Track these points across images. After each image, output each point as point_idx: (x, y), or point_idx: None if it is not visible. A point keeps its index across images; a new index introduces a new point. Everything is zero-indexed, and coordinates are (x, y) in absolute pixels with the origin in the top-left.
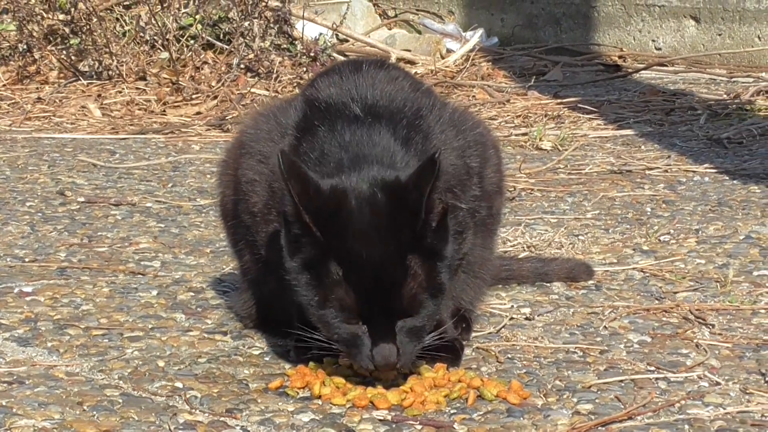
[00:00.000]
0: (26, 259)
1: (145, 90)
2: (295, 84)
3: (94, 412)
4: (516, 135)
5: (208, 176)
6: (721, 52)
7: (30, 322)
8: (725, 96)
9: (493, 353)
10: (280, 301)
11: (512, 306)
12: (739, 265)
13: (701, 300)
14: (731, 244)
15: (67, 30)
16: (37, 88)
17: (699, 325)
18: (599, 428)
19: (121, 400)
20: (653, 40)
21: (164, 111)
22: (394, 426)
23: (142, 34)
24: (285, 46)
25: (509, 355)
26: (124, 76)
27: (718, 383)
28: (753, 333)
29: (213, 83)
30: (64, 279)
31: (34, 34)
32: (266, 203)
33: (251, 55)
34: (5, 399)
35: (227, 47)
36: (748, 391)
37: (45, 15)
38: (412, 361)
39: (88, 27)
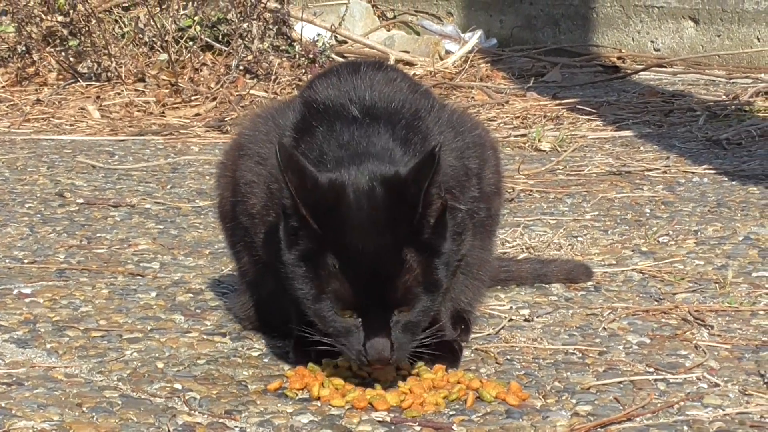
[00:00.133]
0: (25, 261)
1: (144, 91)
2: (293, 85)
3: (93, 414)
4: (515, 136)
5: (207, 178)
6: (720, 53)
7: (29, 323)
8: (724, 97)
9: (492, 354)
10: (279, 303)
11: (511, 307)
12: (738, 266)
13: (700, 301)
14: (730, 245)
15: (66, 32)
16: (36, 90)
17: (698, 326)
18: (598, 429)
19: (120, 402)
20: (652, 41)
21: (163, 112)
22: (393, 427)
23: (140, 35)
24: (284, 47)
25: (508, 357)
26: (123, 78)
27: (717, 384)
28: (752, 334)
29: (212, 85)
30: (63, 280)
31: (33, 35)
32: (265, 205)
33: (250, 57)
34: (4, 400)
35: (226, 49)
36: (747, 393)
37: (44, 17)
38: (405, 357)
39: (87, 29)
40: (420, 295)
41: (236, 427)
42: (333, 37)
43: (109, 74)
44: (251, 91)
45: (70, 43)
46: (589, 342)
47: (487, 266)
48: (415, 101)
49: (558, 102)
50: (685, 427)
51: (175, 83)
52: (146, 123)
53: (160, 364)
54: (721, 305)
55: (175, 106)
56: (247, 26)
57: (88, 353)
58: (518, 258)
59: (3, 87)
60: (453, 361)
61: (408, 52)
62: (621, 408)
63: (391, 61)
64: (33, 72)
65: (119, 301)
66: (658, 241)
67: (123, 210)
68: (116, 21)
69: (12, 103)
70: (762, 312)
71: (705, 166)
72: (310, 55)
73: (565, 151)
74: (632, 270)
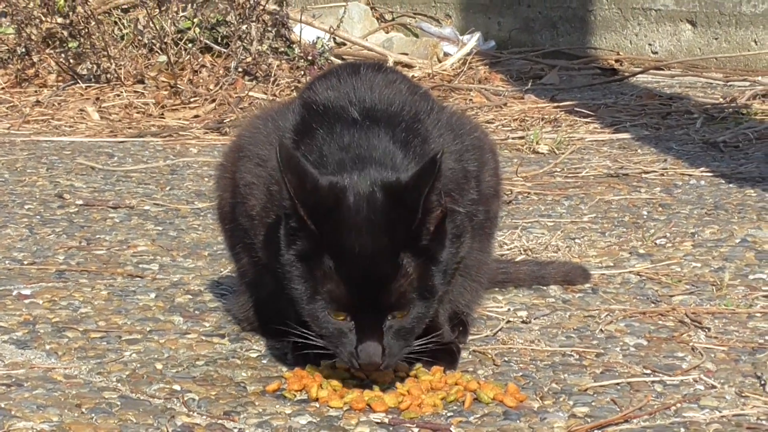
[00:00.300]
0: (25, 262)
1: (143, 93)
2: (292, 87)
3: (93, 415)
4: (513, 138)
5: (206, 179)
6: (718, 56)
7: (28, 324)
8: (721, 100)
9: (489, 356)
10: (278, 304)
11: (509, 309)
12: (734, 268)
13: (697, 303)
14: (727, 247)
15: (65, 33)
16: (36, 92)
17: (695, 328)
18: (595, 431)
19: (119, 403)
20: (650, 44)
21: (162, 114)
22: (391, 429)
23: (140, 37)
24: (283, 49)
25: (506, 358)
26: (123, 80)
27: (713, 386)
28: (749, 336)
29: (211, 86)
30: (63, 282)
31: (33, 37)
32: (264, 206)
33: (249, 59)
34: (4, 401)
35: (225, 51)
36: (743, 395)
37: (43, 18)
38: (396, 363)
39: (86, 30)
40: (414, 301)
41: (235, 428)
42: (332, 39)
43: (108, 76)
44: (250, 93)
45: (69, 45)
46: (587, 344)
47: (485, 268)
48: (415, 103)
49: (556, 104)
50: (682, 429)
51: (174, 85)
52: (145, 125)
53: (159, 365)
54: (718, 307)
55: (174, 107)
56: (246, 28)
57: (88, 354)
58: (516, 260)
59: (3, 88)
60: (451, 362)
61: (406, 54)
62: (618, 410)
63: (390, 63)
64: (33, 73)
65: (118, 302)
66: (656, 244)
67: (122, 211)
68: (116, 23)
69: (11, 104)
70: (758, 314)
71: (702, 169)
72: (309, 57)
73: (562, 153)
74: (629, 272)
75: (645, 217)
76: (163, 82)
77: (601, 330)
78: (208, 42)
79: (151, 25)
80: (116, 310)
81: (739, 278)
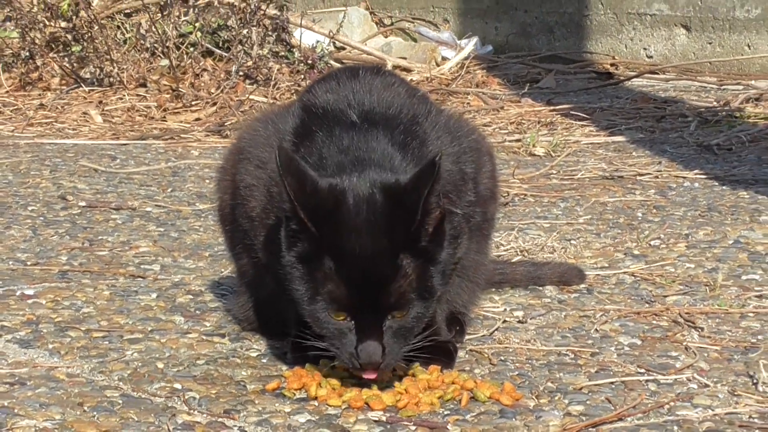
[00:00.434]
0: (28, 263)
1: (145, 96)
2: (293, 91)
3: (95, 413)
4: (509, 141)
5: (207, 181)
6: (712, 60)
7: (31, 324)
8: (715, 103)
9: (486, 355)
10: (277, 304)
11: (505, 309)
12: (728, 269)
13: (691, 303)
14: (720, 248)
15: (69, 37)
16: (40, 95)
17: (688, 328)
18: (590, 429)
19: (120, 401)
20: (645, 49)
21: (164, 117)
22: (388, 427)
23: (142, 41)
24: (283, 53)
25: (502, 358)
26: (125, 83)
27: (706, 385)
28: (741, 336)
29: (212, 90)
30: (65, 282)
31: (37, 41)
32: (264, 208)
33: (250, 63)
34: (7, 400)
35: (226, 55)
36: (736, 393)
37: (47, 23)
38: (396, 363)
39: (89, 34)
40: (414, 301)
41: (235, 426)
42: (331, 44)
43: (111, 79)
44: (251, 96)
45: (73, 49)
46: (582, 343)
47: (482, 269)
48: (413, 106)
49: (552, 108)
50: (675, 427)
51: (176, 88)
52: (147, 127)
53: (160, 365)
54: (711, 308)
55: (176, 110)
56: (247, 32)
57: (90, 353)
58: (513, 261)
59: (7, 92)
60: (448, 361)
61: (405, 58)
62: (612, 408)
63: (389, 67)
64: (36, 77)
65: (120, 302)
66: (650, 245)
67: (124, 213)
68: (118, 27)
69: (16, 107)
70: (751, 314)
71: (696, 171)
72: (309, 61)
73: (558, 155)
74: (624, 273)
75: (639, 218)
76: (165, 85)
77: (596, 330)
78: (209, 46)
79: (154, 29)
80: (118, 310)
81: (732, 279)
